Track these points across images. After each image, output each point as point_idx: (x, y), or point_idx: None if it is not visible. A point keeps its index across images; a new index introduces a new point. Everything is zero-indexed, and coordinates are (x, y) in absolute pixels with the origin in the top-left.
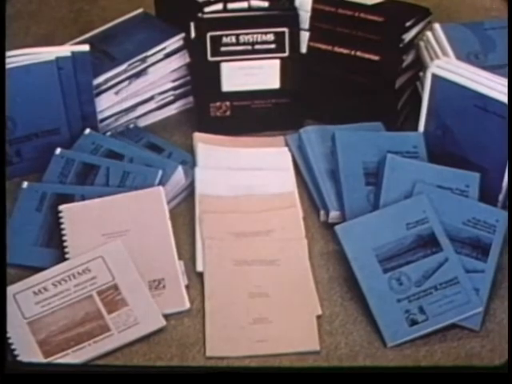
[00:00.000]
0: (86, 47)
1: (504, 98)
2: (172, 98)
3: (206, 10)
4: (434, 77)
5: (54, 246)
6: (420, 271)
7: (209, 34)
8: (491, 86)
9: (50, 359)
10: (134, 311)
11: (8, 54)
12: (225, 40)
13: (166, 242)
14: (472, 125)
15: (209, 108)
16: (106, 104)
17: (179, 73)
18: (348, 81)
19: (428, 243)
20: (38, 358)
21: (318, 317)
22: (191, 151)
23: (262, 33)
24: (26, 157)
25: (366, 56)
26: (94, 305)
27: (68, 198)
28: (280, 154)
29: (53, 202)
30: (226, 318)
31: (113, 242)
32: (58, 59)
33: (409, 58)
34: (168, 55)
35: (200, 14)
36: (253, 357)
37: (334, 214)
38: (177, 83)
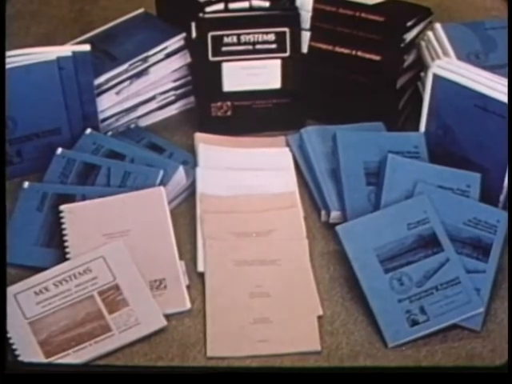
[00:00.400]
0: (86, 47)
1: (504, 98)
2: (173, 97)
3: (207, 9)
4: (435, 77)
5: (55, 246)
6: (421, 271)
7: (210, 34)
8: (492, 85)
9: (50, 359)
10: (134, 311)
11: (8, 53)
12: (226, 40)
13: (167, 242)
14: (473, 125)
15: (210, 108)
16: (107, 104)
17: (180, 73)
18: (349, 81)
19: (429, 243)
20: (39, 358)
21: (319, 317)
22: (192, 151)
23: (263, 33)
24: (26, 157)
25: (367, 56)
26: (95, 305)
27: (69, 198)
28: (281, 154)
29: (54, 202)
30: (227, 318)
31: (114, 242)
32: (58, 59)
33: (410, 58)
34: (169, 55)
35: (201, 14)
36: (254, 357)
37: (334, 214)
38: (178, 83)
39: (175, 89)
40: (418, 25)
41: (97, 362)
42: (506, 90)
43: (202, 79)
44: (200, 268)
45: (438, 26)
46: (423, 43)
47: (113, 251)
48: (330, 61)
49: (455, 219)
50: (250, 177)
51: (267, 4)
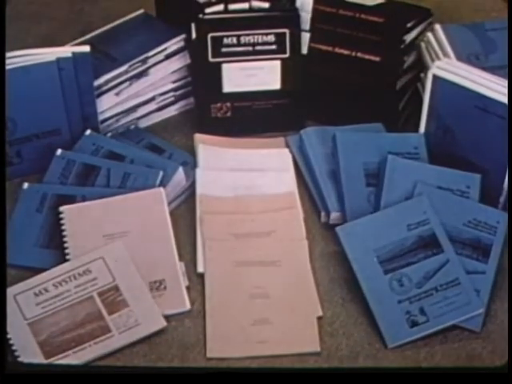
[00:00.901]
0: (86, 48)
1: (504, 99)
2: (173, 98)
3: (207, 10)
4: (435, 78)
5: (55, 246)
6: (421, 272)
7: (210, 35)
8: (492, 87)
9: (50, 360)
10: (134, 312)
11: (9, 54)
12: (226, 41)
13: (166, 243)
14: (473, 126)
15: (209, 109)
16: (107, 105)
17: (180, 74)
18: (349, 82)
19: (429, 244)
20: (39, 358)
21: (319, 318)
22: (192, 152)
23: (262, 34)
24: (26, 157)
25: (367, 57)
26: (95, 306)
27: (69, 199)
28: (281, 154)
29: (53, 203)
30: (227, 318)
31: (113, 243)
32: (58, 60)
33: (410, 59)
34: (169, 56)
35: (201, 15)
36: (253, 358)
37: (334, 215)
38: (177, 84)
39: (175, 90)
40: (417, 26)
41: (96, 363)
42: (506, 91)
43: (202, 80)
44: (200, 269)
45: (437, 27)
46: (423, 44)
47: (112, 252)
48: (330, 62)
49: (455, 220)
50: (250, 178)
51: (267, 5)
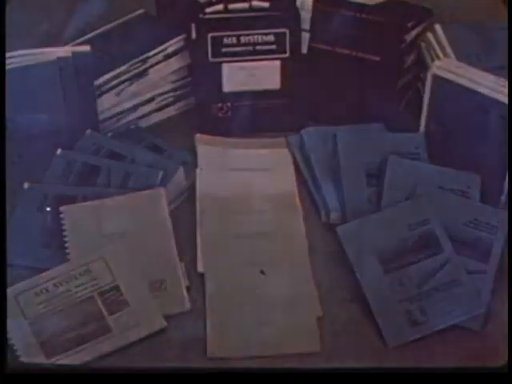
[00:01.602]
0: (86, 48)
1: (505, 99)
2: (173, 98)
3: (207, 10)
4: (435, 77)
5: (55, 246)
6: (421, 272)
7: (210, 35)
8: (492, 87)
9: (51, 360)
10: (135, 312)
11: (8, 54)
12: (226, 41)
13: (166, 242)
14: (473, 125)
15: (210, 109)
16: (107, 105)
17: (180, 74)
18: (349, 81)
19: (429, 244)
20: (40, 358)
21: (319, 318)
22: (192, 152)
23: (262, 33)
24: (26, 157)
25: (367, 56)
26: (96, 306)
27: (69, 199)
28: (281, 154)
29: (54, 203)
30: (227, 318)
31: (114, 243)
32: (58, 60)
33: (410, 59)
34: (169, 56)
35: (201, 15)
36: (253, 358)
37: (334, 215)
38: (177, 84)
39: (175, 89)
40: (418, 25)
41: (97, 363)
42: (506, 91)
43: (202, 80)
44: (200, 269)
45: (437, 26)
46: (423, 44)
47: (113, 252)
48: (330, 61)
49: (456, 220)
50: (250, 177)
51: (267, 5)
